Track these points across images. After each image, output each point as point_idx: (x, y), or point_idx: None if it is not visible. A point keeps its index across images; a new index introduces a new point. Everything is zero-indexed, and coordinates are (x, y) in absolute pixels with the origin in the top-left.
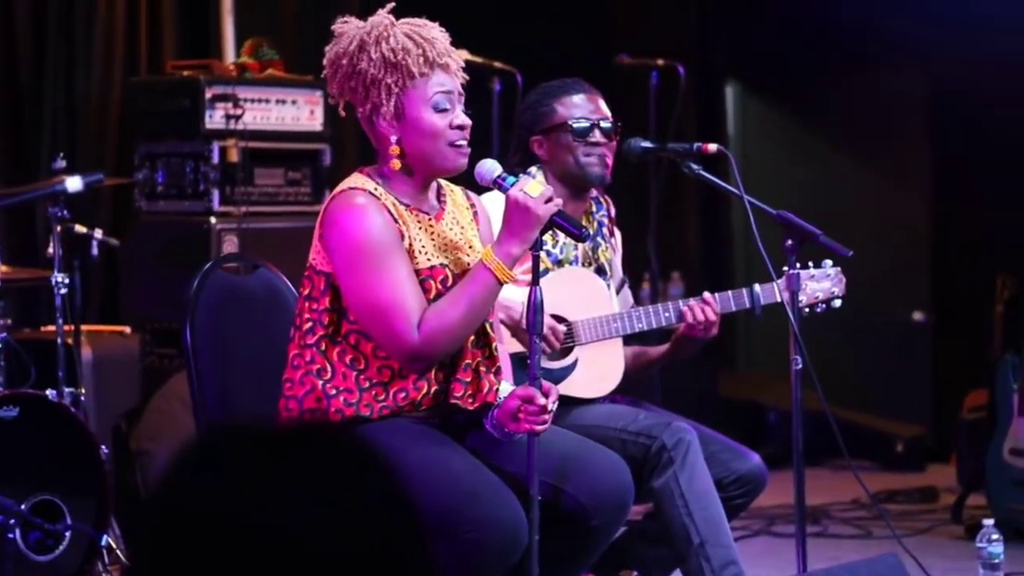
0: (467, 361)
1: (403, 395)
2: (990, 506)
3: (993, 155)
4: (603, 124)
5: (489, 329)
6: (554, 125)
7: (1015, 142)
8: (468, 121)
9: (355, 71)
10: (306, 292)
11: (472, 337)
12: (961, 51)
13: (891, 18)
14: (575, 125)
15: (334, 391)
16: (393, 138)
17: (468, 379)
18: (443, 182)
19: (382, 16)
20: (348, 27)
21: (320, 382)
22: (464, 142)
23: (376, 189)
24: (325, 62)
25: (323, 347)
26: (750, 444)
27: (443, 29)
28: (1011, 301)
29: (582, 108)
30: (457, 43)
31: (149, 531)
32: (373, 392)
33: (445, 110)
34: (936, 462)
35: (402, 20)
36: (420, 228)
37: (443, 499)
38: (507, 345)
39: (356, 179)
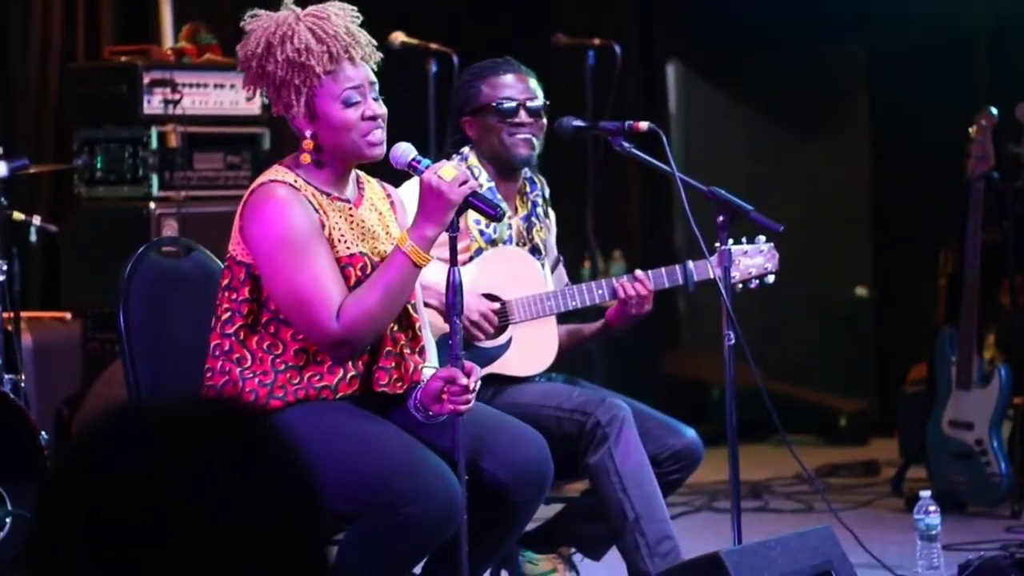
0: (388, 348)
1: (318, 379)
2: (930, 478)
3: (933, 130)
4: (529, 104)
5: (412, 311)
6: (481, 106)
7: (954, 116)
8: (380, 110)
9: (264, 73)
10: (225, 282)
11: (394, 323)
12: (900, 24)
13: None
14: (499, 106)
15: (251, 375)
16: (308, 133)
17: (391, 365)
18: (361, 174)
19: (287, 11)
20: (257, 24)
21: (238, 369)
22: (378, 131)
23: (296, 181)
24: (238, 60)
25: (241, 336)
26: (694, 421)
27: (353, 11)
28: (954, 275)
29: (509, 88)
30: (393, 25)
31: (49, 502)
32: (288, 375)
33: (356, 103)
34: (880, 436)
35: (307, 11)
36: (340, 216)
37: (378, 473)
38: (435, 324)
39: (276, 172)
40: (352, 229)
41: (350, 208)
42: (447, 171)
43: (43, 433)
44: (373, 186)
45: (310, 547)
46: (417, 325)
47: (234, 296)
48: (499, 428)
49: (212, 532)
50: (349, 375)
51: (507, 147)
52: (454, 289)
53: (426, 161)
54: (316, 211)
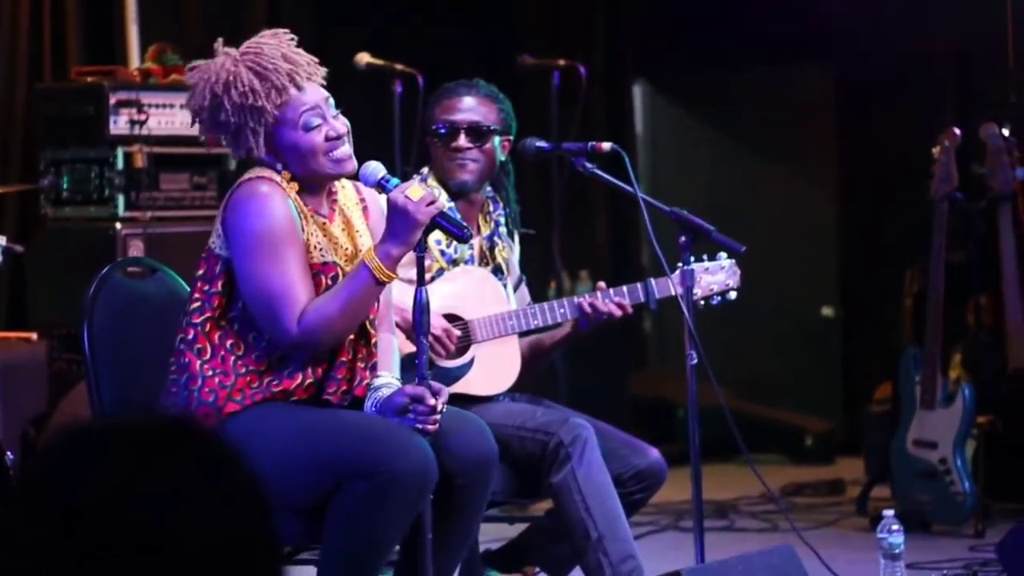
0: (343, 358)
1: (276, 383)
2: (895, 497)
3: (900, 150)
4: (471, 128)
5: (369, 327)
6: (430, 129)
7: (921, 137)
8: (342, 128)
9: (217, 123)
10: (200, 272)
11: (352, 335)
12: (867, 47)
13: (798, 15)
14: (439, 129)
15: (210, 372)
16: (278, 165)
17: (341, 375)
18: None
19: (224, 56)
20: (198, 77)
21: (198, 361)
22: (343, 147)
23: (281, 181)
24: (190, 115)
25: (207, 328)
26: (660, 441)
27: (285, 34)
28: (920, 295)
29: (455, 111)
30: (360, 45)
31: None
32: (248, 379)
33: (317, 126)
34: (847, 455)
35: (242, 49)
36: (316, 227)
37: (350, 443)
38: (399, 344)
39: (262, 170)
40: (326, 239)
41: (324, 222)
42: (414, 191)
43: (9, 453)
44: (347, 191)
45: (264, 562)
46: (373, 340)
47: (207, 288)
48: (444, 420)
49: (166, 548)
50: (307, 382)
51: (446, 171)
52: (421, 308)
53: (394, 180)
54: (297, 214)
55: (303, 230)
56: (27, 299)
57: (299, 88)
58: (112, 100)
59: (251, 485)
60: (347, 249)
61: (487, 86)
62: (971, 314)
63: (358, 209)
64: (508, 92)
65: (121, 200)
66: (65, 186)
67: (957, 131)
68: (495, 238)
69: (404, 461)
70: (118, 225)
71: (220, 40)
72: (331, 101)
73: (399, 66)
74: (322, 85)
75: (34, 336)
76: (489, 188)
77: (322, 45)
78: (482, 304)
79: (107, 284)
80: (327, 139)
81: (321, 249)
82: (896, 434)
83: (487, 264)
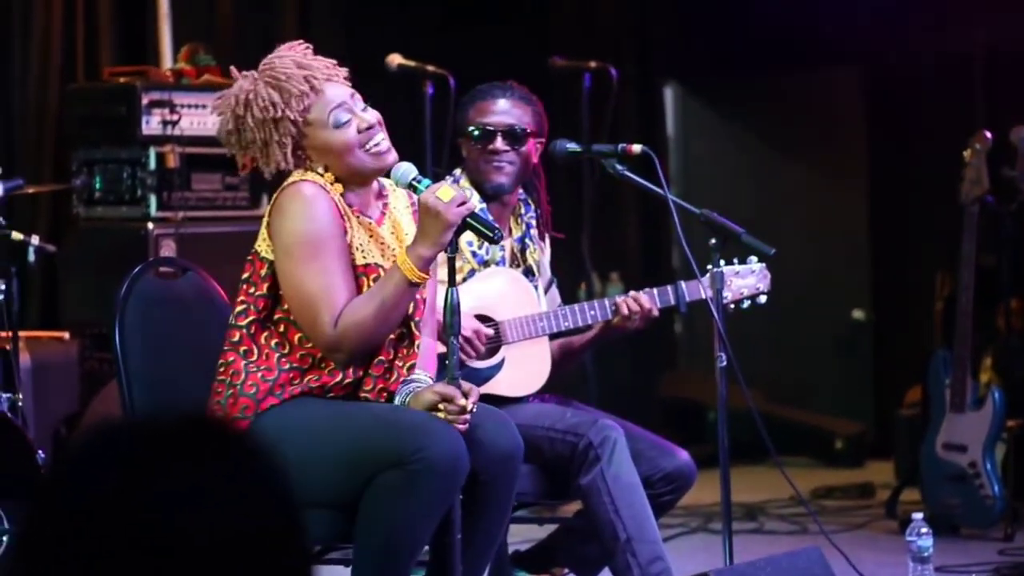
0: (381, 357)
1: (316, 379)
2: (924, 501)
3: (930, 152)
4: (507, 131)
5: (414, 328)
6: (465, 130)
7: (952, 139)
8: (373, 117)
9: (245, 144)
10: (245, 275)
11: (394, 336)
12: (897, 50)
13: (828, 17)
14: (474, 132)
15: (255, 369)
16: (320, 168)
17: (378, 373)
18: (386, 184)
19: (242, 79)
20: (221, 104)
21: (243, 361)
22: (379, 136)
23: (326, 184)
24: (222, 142)
25: (252, 330)
26: (691, 443)
27: (300, 45)
28: (951, 298)
29: (490, 114)
30: (390, 47)
31: (35, 520)
32: (290, 375)
33: (347, 121)
34: (877, 458)
35: (259, 67)
36: (362, 229)
37: (382, 434)
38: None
39: (307, 173)
40: (372, 241)
41: (371, 224)
42: (445, 192)
43: (40, 452)
44: (398, 195)
45: (287, 561)
46: (417, 342)
47: (252, 290)
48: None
49: (176, 548)
50: (346, 381)
51: (482, 173)
52: (452, 309)
53: (426, 181)
54: (341, 216)
55: (347, 232)
56: (59, 299)
57: (318, 90)
58: (144, 100)
59: (276, 484)
60: (395, 251)
61: (520, 88)
62: (1001, 317)
63: (408, 212)
64: (539, 94)
65: (153, 200)
66: (97, 186)
67: (988, 134)
68: (526, 240)
69: (436, 448)
70: (150, 225)
71: (233, 68)
72: (358, 96)
73: (430, 67)
74: (347, 84)
75: (66, 336)
76: (521, 190)
77: (353, 47)
78: (513, 305)
79: (138, 284)
80: (359, 131)
81: (364, 251)
82: (925, 437)
83: (518, 266)
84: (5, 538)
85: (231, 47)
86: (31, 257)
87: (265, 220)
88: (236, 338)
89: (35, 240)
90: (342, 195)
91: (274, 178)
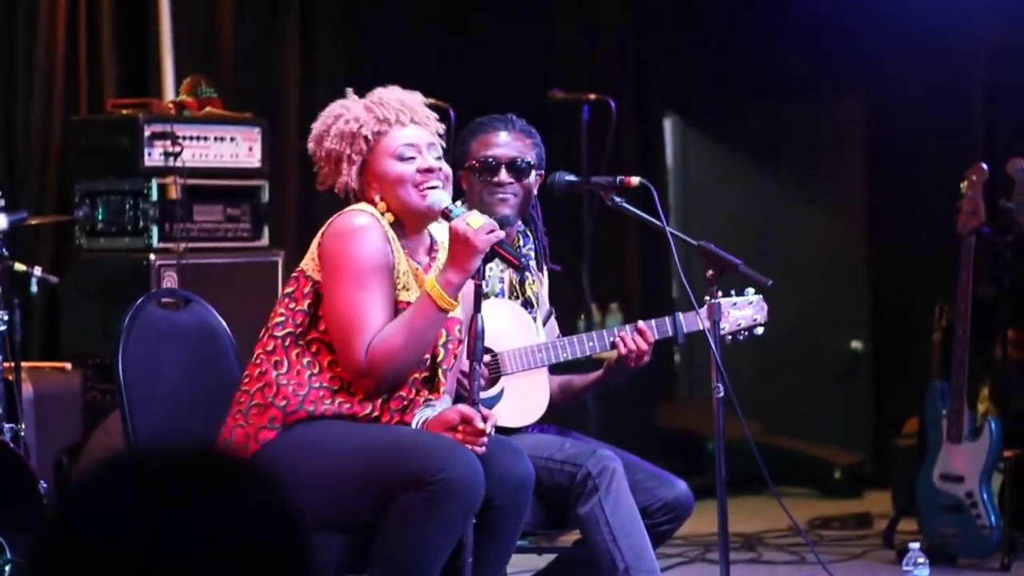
0: (402, 393)
1: (348, 407)
2: (921, 531)
3: (930, 183)
4: (511, 163)
5: (440, 375)
6: (468, 163)
7: (950, 171)
8: (436, 164)
9: (325, 154)
10: (288, 290)
11: (418, 375)
12: (896, 81)
13: (828, 48)
14: (480, 164)
15: (285, 381)
16: (377, 197)
17: (397, 407)
18: (437, 240)
19: (349, 99)
20: (321, 114)
21: (274, 372)
22: (435, 184)
23: (377, 214)
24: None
25: (286, 343)
26: (689, 473)
27: (415, 94)
28: (949, 329)
29: (493, 146)
30: (390, 79)
31: (40, 551)
32: (320, 392)
33: (411, 158)
34: (875, 488)
35: (371, 95)
36: (407, 266)
37: (402, 454)
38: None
39: (362, 205)
40: (416, 283)
41: (418, 269)
42: (475, 219)
43: (42, 482)
44: (445, 249)
45: None
46: (442, 389)
47: (292, 305)
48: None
49: None
50: (374, 415)
51: (486, 205)
52: (476, 335)
53: (458, 210)
54: (391, 251)
55: (394, 266)
56: (61, 329)
57: (402, 123)
58: (147, 132)
59: (283, 514)
60: None
61: (520, 121)
62: (999, 348)
63: None
64: (538, 126)
65: (155, 231)
66: (100, 217)
67: (984, 166)
68: (525, 271)
69: (456, 469)
70: (152, 256)
71: (349, 89)
72: (437, 148)
73: (431, 100)
74: (434, 136)
75: (68, 366)
76: (519, 222)
77: (354, 83)
78: (512, 337)
79: (141, 315)
80: (419, 171)
81: (408, 289)
82: (923, 467)
83: (517, 297)
84: (8, 568)
85: (233, 79)
86: (34, 288)
87: (317, 241)
88: (271, 347)
89: (38, 271)
90: (394, 230)
91: (287, 206)
